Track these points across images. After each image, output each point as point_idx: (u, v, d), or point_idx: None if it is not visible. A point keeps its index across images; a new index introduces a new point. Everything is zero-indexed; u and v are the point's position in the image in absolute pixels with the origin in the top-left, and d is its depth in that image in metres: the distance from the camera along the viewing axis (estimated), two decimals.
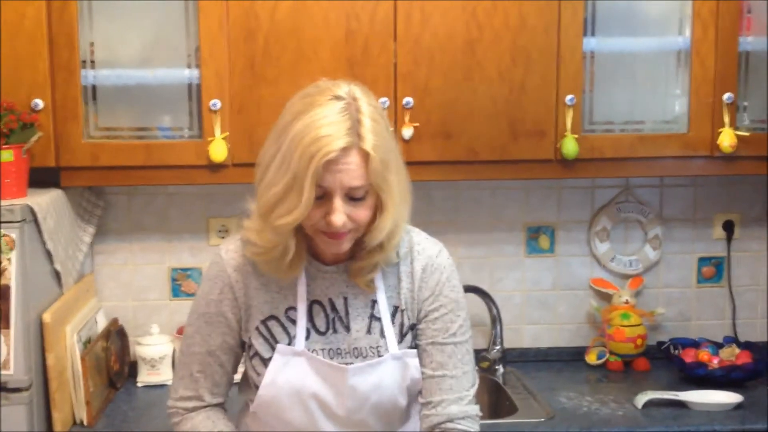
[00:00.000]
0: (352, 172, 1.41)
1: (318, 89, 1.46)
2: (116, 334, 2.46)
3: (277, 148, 1.44)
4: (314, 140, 1.38)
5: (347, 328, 1.57)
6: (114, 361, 2.41)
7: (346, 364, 1.55)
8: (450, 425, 1.54)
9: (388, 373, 1.56)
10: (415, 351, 1.58)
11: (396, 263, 1.58)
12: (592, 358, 2.60)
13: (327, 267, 1.57)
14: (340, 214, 1.42)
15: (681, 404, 2.25)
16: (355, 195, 1.43)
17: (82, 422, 2.18)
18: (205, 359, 1.59)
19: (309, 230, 1.49)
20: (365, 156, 1.41)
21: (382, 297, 1.57)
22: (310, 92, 1.46)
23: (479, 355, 2.50)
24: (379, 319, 1.57)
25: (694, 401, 2.24)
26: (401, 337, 1.58)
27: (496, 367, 2.52)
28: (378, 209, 1.48)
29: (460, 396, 1.56)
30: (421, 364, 1.58)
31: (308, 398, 1.55)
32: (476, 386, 1.60)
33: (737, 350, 2.47)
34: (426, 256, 1.59)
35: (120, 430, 2.18)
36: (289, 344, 1.56)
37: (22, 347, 1.98)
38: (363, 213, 1.45)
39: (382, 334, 1.56)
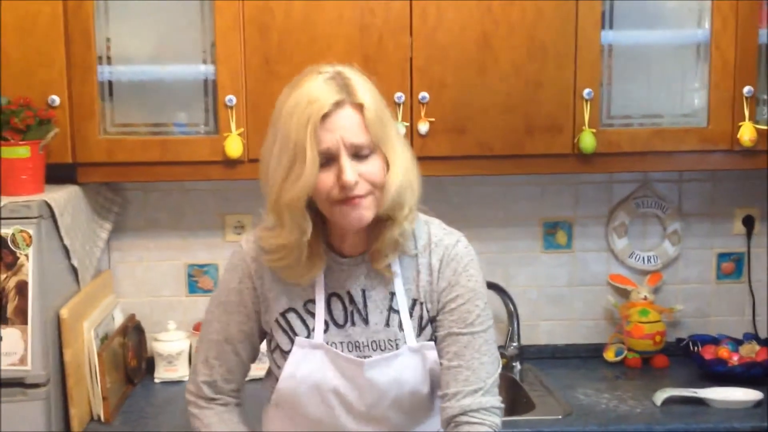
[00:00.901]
0: (350, 128, 1.43)
1: (304, 72, 1.50)
2: (133, 330, 2.47)
3: (275, 133, 1.47)
4: (307, 104, 1.41)
5: (366, 321, 1.56)
6: (131, 357, 2.42)
7: (365, 357, 1.55)
8: (464, 418, 1.51)
9: (406, 366, 1.55)
10: (433, 343, 1.57)
11: (415, 255, 1.57)
12: (610, 355, 2.58)
13: (344, 259, 1.56)
14: (349, 171, 1.42)
15: (700, 401, 2.23)
16: (360, 153, 1.44)
17: (99, 418, 2.18)
18: (222, 347, 1.61)
19: (326, 207, 1.47)
20: (360, 109, 1.43)
21: (400, 289, 1.56)
22: (297, 77, 1.50)
23: None
24: (397, 312, 1.56)
25: (713, 398, 2.22)
26: (420, 330, 1.57)
27: (513, 363, 2.51)
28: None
29: (475, 388, 1.53)
30: (439, 355, 1.56)
31: (327, 392, 1.55)
32: (496, 376, 1.56)
33: (757, 347, 2.45)
34: (443, 247, 1.57)
35: (137, 425, 2.19)
36: (308, 337, 1.56)
37: (40, 343, 1.99)
38: (373, 170, 1.45)
39: (400, 326, 1.56)
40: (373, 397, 1.55)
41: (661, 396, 2.24)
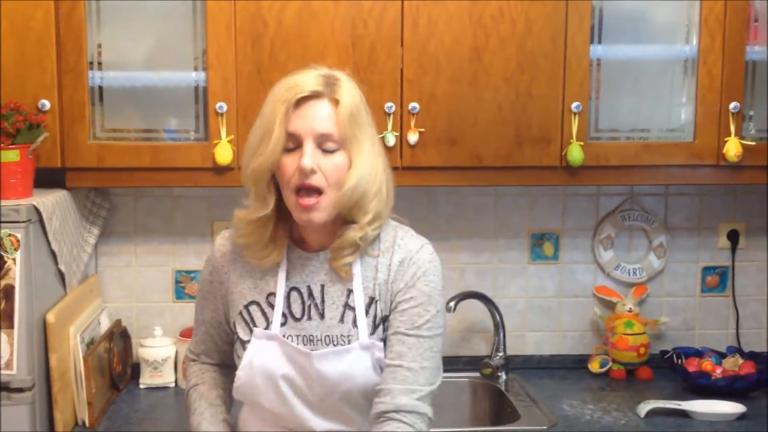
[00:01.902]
0: (321, 119, 1.51)
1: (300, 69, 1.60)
2: (119, 335, 2.46)
3: (261, 113, 1.57)
4: (288, 87, 1.53)
5: (321, 316, 1.61)
6: (117, 362, 2.41)
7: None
8: (396, 416, 1.52)
9: (356, 361, 1.58)
10: (382, 344, 1.60)
11: (376, 256, 1.61)
12: (595, 366, 2.60)
13: (309, 254, 1.63)
14: (308, 157, 1.49)
15: (684, 414, 2.24)
16: (325, 146, 1.52)
17: (84, 423, 2.18)
18: (201, 327, 1.77)
19: (287, 194, 1.54)
20: (336, 105, 1.52)
21: (358, 287, 1.60)
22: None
23: (482, 361, 2.50)
24: (353, 309, 1.60)
25: (697, 411, 2.24)
26: (374, 328, 1.60)
27: (499, 374, 2.52)
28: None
29: (412, 389, 1.54)
30: (385, 354, 1.59)
31: (279, 380, 1.59)
32: (435, 387, 1.58)
33: (740, 360, 2.47)
34: (406, 251, 1.62)
35: (121, 431, 2.18)
36: (266, 329, 1.61)
37: (26, 347, 1.98)
38: (332, 168, 1.52)
39: (354, 323, 1.59)
40: (322, 388, 1.58)
41: (644, 408, 2.25)
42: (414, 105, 2.23)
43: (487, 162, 2.28)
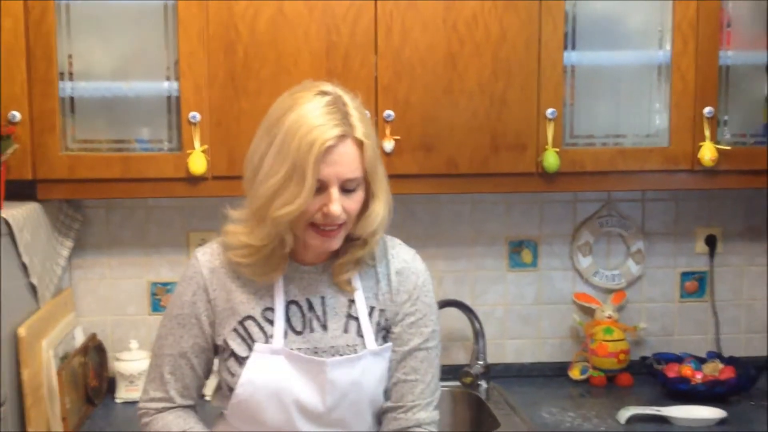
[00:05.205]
0: (348, 164, 1.47)
1: (304, 87, 1.53)
2: (94, 349, 2.43)
3: (270, 141, 1.48)
4: (310, 129, 1.44)
5: (324, 327, 1.59)
6: (92, 376, 2.38)
7: None
8: (418, 430, 1.59)
9: (367, 368, 1.58)
10: (391, 345, 1.61)
11: (372, 265, 1.62)
12: (575, 374, 2.59)
13: (305, 267, 1.60)
14: (337, 204, 1.47)
15: (664, 419, 2.24)
16: (348, 186, 1.49)
17: None
18: (177, 361, 1.62)
19: (301, 226, 1.51)
20: (360, 145, 1.49)
21: (360, 297, 1.60)
22: (297, 89, 1.53)
23: (462, 370, 2.48)
24: (356, 319, 1.60)
25: (677, 416, 2.23)
26: (377, 334, 1.60)
27: (479, 382, 2.50)
28: (369, 198, 1.54)
29: (429, 401, 1.61)
30: (395, 368, 1.61)
31: (287, 397, 1.55)
32: (440, 391, 1.65)
33: (720, 365, 2.47)
34: (401, 260, 1.64)
35: None
36: (266, 343, 1.57)
37: None
38: (354, 205, 1.51)
39: (359, 333, 1.59)
40: (333, 398, 1.56)
41: (625, 414, 2.25)
42: (389, 112, 2.22)
43: (462, 169, 2.27)
